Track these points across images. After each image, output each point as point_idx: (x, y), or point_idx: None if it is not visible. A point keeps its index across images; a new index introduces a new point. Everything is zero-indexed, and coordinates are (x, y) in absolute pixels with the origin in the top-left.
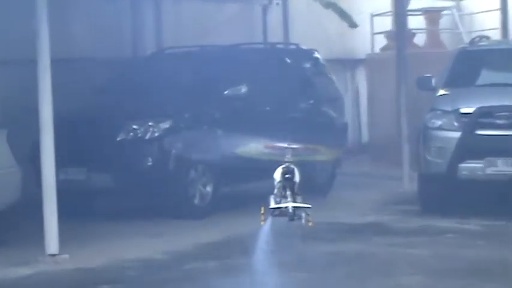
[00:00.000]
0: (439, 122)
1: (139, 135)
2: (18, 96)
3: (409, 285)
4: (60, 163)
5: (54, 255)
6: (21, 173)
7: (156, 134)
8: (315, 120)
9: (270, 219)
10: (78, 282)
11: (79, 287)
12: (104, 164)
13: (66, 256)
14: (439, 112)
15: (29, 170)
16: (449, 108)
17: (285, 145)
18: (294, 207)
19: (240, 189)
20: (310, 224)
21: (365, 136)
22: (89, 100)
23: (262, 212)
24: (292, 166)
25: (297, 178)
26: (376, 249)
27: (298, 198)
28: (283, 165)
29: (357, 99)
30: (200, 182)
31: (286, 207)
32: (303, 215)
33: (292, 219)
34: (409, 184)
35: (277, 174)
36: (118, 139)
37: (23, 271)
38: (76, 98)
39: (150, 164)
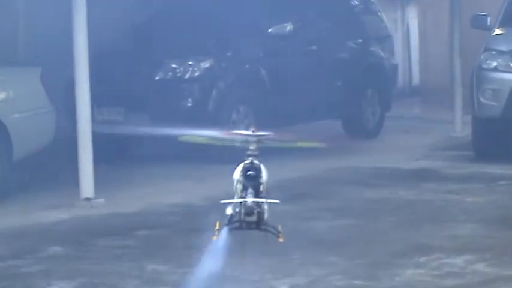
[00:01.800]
0: (494, 63)
1: (178, 74)
2: (52, 32)
3: (463, 235)
4: (96, 103)
5: (89, 199)
6: (55, 114)
7: (197, 74)
8: (363, 60)
9: (225, 231)
10: (114, 227)
11: (115, 232)
12: (142, 105)
13: (102, 200)
14: (494, 52)
15: (64, 111)
16: (504, 49)
17: (249, 132)
18: (257, 210)
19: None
20: (281, 239)
21: (416, 78)
22: (127, 37)
23: (217, 227)
24: (257, 161)
25: (263, 176)
26: (427, 196)
27: (263, 204)
28: (246, 161)
29: (408, 39)
30: (242, 124)
31: (242, 202)
32: (271, 229)
33: (250, 214)
34: (461, 128)
35: (237, 173)
36: (156, 78)
37: (58, 215)
38: (113, 35)
39: (190, 104)
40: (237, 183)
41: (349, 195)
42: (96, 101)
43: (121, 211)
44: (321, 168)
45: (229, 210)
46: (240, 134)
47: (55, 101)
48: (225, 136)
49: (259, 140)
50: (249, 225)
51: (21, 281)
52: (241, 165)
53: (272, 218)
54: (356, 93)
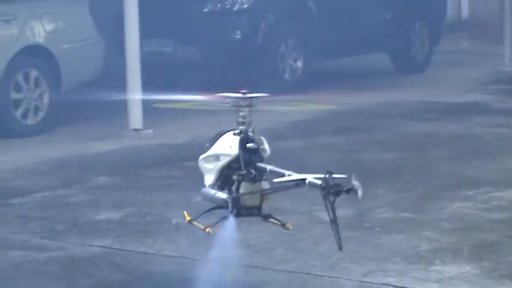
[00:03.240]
0: None
1: (227, 6)
2: None
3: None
4: (145, 34)
5: (137, 130)
6: (104, 45)
7: (245, 6)
8: None
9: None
10: (163, 158)
11: (163, 162)
12: (191, 36)
13: (150, 131)
14: None
15: (113, 42)
16: None
17: (239, 95)
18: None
19: (331, 64)
20: (289, 226)
21: (465, 12)
22: None
23: (187, 218)
24: (250, 132)
25: (266, 149)
26: (475, 129)
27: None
28: (236, 130)
29: None
30: (290, 57)
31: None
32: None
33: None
34: (511, 63)
35: (226, 145)
36: (205, 10)
37: (107, 145)
38: None
39: (238, 37)
40: (231, 159)
41: (396, 128)
42: (145, 32)
43: (169, 142)
44: (368, 102)
45: (221, 195)
46: (228, 96)
47: (104, 32)
48: (210, 99)
49: (252, 103)
50: (251, 212)
51: (70, 210)
52: (231, 136)
53: (317, 153)
54: (405, 26)
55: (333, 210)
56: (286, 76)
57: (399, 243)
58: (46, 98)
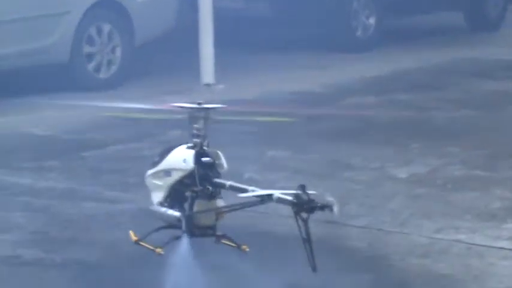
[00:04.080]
0: None
1: None
2: None
3: None
4: None
5: (209, 84)
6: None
7: None
8: None
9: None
10: (234, 112)
11: (235, 117)
12: None
13: (222, 86)
14: None
15: None
16: None
17: (195, 105)
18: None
19: (404, 22)
20: (246, 248)
21: None
22: None
23: (133, 238)
24: (205, 145)
25: (223, 164)
26: None
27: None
28: (190, 144)
29: None
30: (363, 14)
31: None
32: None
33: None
34: None
35: (179, 159)
36: None
37: (179, 100)
38: None
39: None
40: (186, 174)
41: (470, 86)
42: None
43: (241, 97)
44: (441, 59)
45: (174, 213)
46: (182, 106)
47: None
48: (163, 108)
49: (208, 114)
50: (205, 232)
51: (142, 163)
52: (184, 150)
53: (390, 110)
54: None
55: (306, 228)
56: (358, 33)
57: (471, 200)
58: (118, 52)
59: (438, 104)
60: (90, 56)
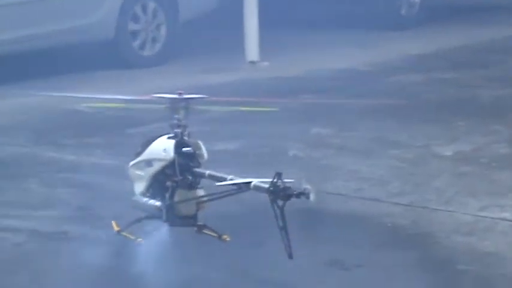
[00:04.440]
0: None
1: None
2: None
3: None
4: None
5: (254, 62)
6: None
7: None
8: None
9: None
10: (279, 90)
11: (280, 94)
12: None
13: (267, 64)
14: None
15: None
16: None
17: (174, 95)
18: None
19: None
20: (226, 238)
21: None
22: None
23: (115, 228)
24: (186, 135)
25: (203, 154)
26: None
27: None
28: (170, 134)
29: None
30: None
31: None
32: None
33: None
34: None
35: (159, 149)
36: None
37: (224, 77)
38: None
39: None
40: (165, 165)
41: None
42: None
43: (285, 75)
44: (487, 37)
45: (155, 203)
46: (162, 97)
47: None
48: (144, 99)
49: (188, 104)
50: (186, 222)
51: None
52: (165, 140)
53: (434, 87)
54: None
55: (283, 216)
56: (403, 11)
57: None
58: (163, 30)
59: (483, 82)
60: (135, 34)
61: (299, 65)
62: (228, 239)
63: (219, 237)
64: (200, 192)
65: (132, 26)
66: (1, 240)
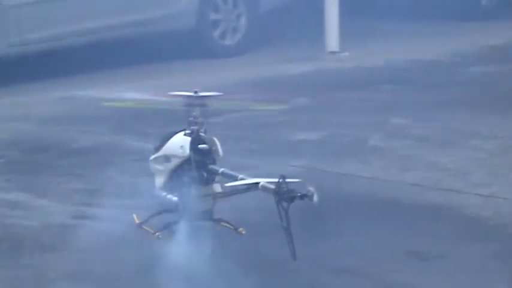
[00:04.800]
0: None
1: None
2: None
3: None
4: None
5: (334, 52)
6: None
7: None
8: None
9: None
10: (358, 81)
11: (360, 84)
12: None
13: (347, 54)
14: None
15: None
16: None
17: (190, 93)
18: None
19: None
20: (242, 231)
21: None
22: None
23: (136, 220)
24: (202, 132)
25: (219, 150)
26: None
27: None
28: (187, 130)
29: None
30: None
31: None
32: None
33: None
34: None
35: (176, 146)
36: None
37: (304, 67)
38: None
39: None
40: (181, 162)
41: None
42: None
43: (365, 65)
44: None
45: (172, 198)
46: (179, 95)
47: None
48: (160, 98)
49: (205, 103)
50: (202, 217)
51: (267, 130)
52: (181, 136)
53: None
54: None
55: (287, 217)
56: (484, 1)
57: None
58: (243, 20)
59: None
60: (215, 23)
61: (379, 55)
62: (243, 232)
63: (235, 230)
64: (217, 187)
65: (212, 16)
66: (84, 229)
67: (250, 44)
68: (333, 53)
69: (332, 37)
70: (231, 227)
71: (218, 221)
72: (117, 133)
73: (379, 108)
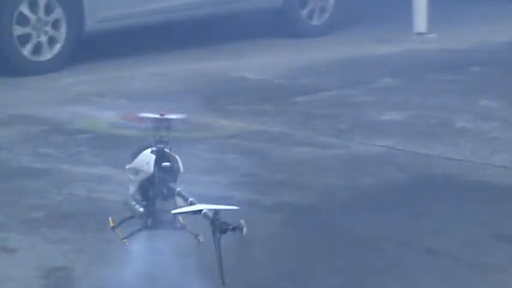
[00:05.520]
0: None
1: None
2: None
3: None
4: None
5: (421, 34)
6: None
7: None
8: None
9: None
10: (445, 62)
11: (446, 67)
12: None
13: (434, 36)
14: None
15: None
16: None
17: (157, 115)
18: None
19: None
20: (201, 238)
21: None
22: None
23: (111, 224)
24: (167, 149)
25: (180, 167)
26: None
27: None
28: (153, 148)
29: None
30: None
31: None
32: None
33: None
34: None
35: (143, 162)
36: None
37: (391, 48)
38: None
39: None
40: (145, 179)
41: None
42: None
43: (452, 47)
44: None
45: (139, 208)
46: (145, 117)
47: None
48: (127, 120)
49: (170, 125)
50: (165, 226)
51: (353, 109)
52: (148, 153)
53: None
54: None
55: (218, 247)
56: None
57: None
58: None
59: None
60: (303, 3)
61: (467, 37)
62: (202, 239)
63: (195, 237)
64: (179, 201)
65: None
66: None
67: (337, 24)
68: (420, 34)
69: (420, 18)
70: (192, 234)
71: (180, 228)
72: (203, 110)
73: (467, 90)
